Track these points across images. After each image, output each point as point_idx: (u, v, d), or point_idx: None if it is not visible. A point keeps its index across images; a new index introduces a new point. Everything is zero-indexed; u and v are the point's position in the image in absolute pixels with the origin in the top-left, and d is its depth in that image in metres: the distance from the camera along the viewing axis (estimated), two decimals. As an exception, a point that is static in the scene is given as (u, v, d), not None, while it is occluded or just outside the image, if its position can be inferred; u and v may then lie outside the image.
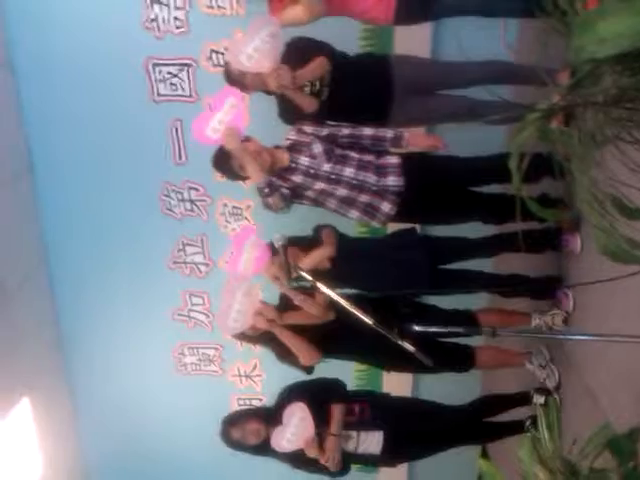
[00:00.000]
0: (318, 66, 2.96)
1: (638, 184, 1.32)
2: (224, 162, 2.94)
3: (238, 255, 2.96)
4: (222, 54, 3.82)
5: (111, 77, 3.94)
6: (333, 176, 2.87)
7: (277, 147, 2.98)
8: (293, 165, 2.90)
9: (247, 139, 2.91)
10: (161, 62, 3.90)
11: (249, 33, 2.85)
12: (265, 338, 3.15)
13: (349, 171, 2.87)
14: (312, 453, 3.04)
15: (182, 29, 3.81)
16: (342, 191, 2.90)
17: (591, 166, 1.23)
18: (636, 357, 2.32)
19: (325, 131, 2.92)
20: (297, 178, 2.89)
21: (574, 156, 1.26)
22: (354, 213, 2.99)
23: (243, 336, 3.18)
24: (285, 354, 3.14)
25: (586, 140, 1.24)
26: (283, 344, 3.10)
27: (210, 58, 3.86)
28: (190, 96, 3.96)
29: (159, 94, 3.97)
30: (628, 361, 2.40)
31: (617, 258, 1.23)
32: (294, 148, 2.93)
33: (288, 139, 2.96)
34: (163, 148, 4.07)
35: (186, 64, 3.89)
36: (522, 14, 2.98)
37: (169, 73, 3.92)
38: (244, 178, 3.00)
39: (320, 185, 2.89)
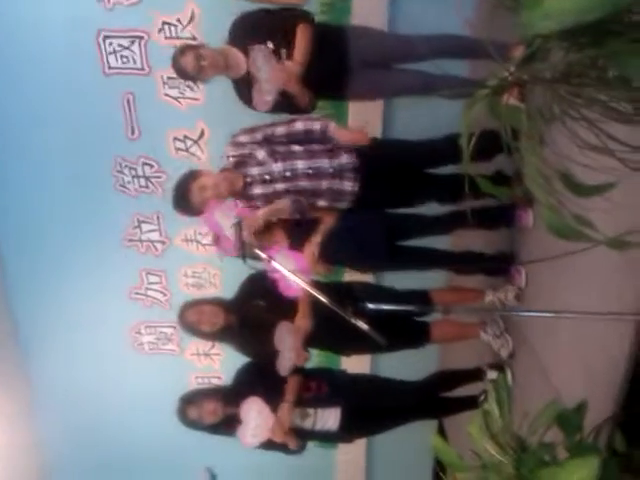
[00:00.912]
0: (306, 34, 2.88)
1: (585, 161, 1.32)
2: (185, 202, 2.91)
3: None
4: (174, 26, 3.72)
5: (61, 49, 3.79)
6: (288, 173, 2.88)
7: (224, 170, 2.96)
8: (248, 180, 2.90)
9: (199, 174, 2.90)
10: (112, 34, 3.77)
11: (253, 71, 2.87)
12: (222, 335, 3.14)
13: (301, 163, 2.88)
14: (280, 438, 3.06)
15: (133, 0, 3.69)
16: (303, 184, 2.90)
17: (538, 143, 1.22)
18: (586, 332, 2.36)
19: (259, 135, 2.89)
20: (258, 190, 2.90)
21: (522, 133, 1.25)
22: (323, 202, 3.00)
23: (200, 333, 3.15)
24: (245, 347, 3.17)
25: (534, 116, 1.23)
26: (243, 338, 3.10)
27: (162, 30, 3.74)
28: (142, 69, 3.84)
29: (110, 67, 3.84)
30: (578, 336, 2.45)
31: (563, 235, 1.23)
32: (240, 163, 2.92)
33: (230, 156, 2.94)
34: (115, 123, 3.96)
35: (137, 36, 3.76)
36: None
37: (120, 45, 3.80)
38: None
39: (280, 186, 2.89)
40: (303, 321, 3.03)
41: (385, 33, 3.49)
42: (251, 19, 2.94)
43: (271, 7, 2.96)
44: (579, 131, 1.28)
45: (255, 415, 3.04)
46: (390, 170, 2.93)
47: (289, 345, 2.97)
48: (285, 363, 3.03)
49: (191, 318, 3.07)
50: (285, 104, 2.97)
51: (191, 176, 2.94)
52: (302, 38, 2.88)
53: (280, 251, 2.57)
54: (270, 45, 2.89)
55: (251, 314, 3.07)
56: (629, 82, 1.10)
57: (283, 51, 2.91)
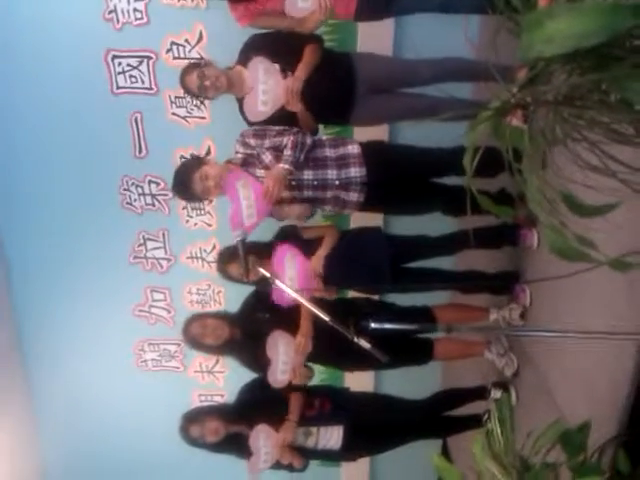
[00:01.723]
0: (313, 53, 2.94)
1: (587, 182, 1.34)
2: (185, 188, 2.91)
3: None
4: (182, 46, 3.77)
5: (70, 69, 3.84)
6: (293, 182, 2.88)
7: (228, 161, 2.97)
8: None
9: (203, 162, 2.91)
10: (120, 54, 3.83)
11: (252, 84, 2.91)
12: (226, 348, 3.15)
13: (307, 173, 2.88)
14: (287, 460, 3.08)
15: (141, 20, 3.74)
16: (307, 193, 2.91)
17: (540, 164, 1.24)
18: (589, 352, 2.36)
19: (267, 143, 2.89)
20: None
21: (524, 154, 1.27)
22: (326, 207, 3.03)
23: (204, 347, 3.16)
24: (248, 361, 3.17)
25: (536, 138, 1.25)
26: (246, 351, 3.11)
27: (170, 50, 3.80)
28: (150, 89, 3.89)
29: (118, 86, 3.89)
30: (582, 356, 2.45)
31: (565, 255, 1.24)
32: (246, 162, 2.92)
33: (238, 152, 2.95)
34: (123, 141, 4.00)
35: (146, 56, 3.82)
36: (481, 11, 3.01)
37: (129, 65, 3.85)
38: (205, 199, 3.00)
39: (285, 194, 2.89)
40: (303, 340, 3.03)
41: (390, 58, 3.53)
42: (262, 40, 2.99)
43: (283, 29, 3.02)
44: (581, 153, 1.30)
45: (263, 442, 3.05)
46: (396, 175, 2.93)
47: (282, 355, 2.96)
48: (277, 374, 3.01)
49: (195, 331, 3.07)
50: (287, 121, 2.98)
51: (195, 163, 2.93)
52: (308, 55, 2.94)
53: (289, 253, 2.56)
54: (277, 66, 2.93)
55: (255, 327, 3.07)
56: (631, 105, 1.12)
57: (288, 73, 2.95)
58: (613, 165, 1.28)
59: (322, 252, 3.01)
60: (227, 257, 2.97)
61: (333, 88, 2.97)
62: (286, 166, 2.81)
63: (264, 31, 3.04)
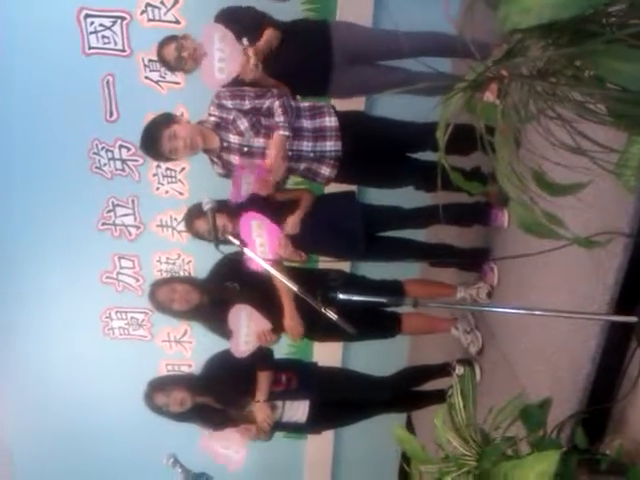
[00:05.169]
0: (272, 37, 2.93)
1: (560, 160, 1.33)
2: (152, 146, 2.82)
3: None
4: (158, 8, 3.67)
5: (40, 27, 3.73)
6: (268, 151, 2.83)
7: (201, 122, 2.89)
8: (225, 144, 2.85)
9: (174, 120, 2.82)
10: (93, 13, 3.72)
11: (205, 49, 2.84)
12: (194, 314, 3.12)
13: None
14: (251, 438, 3.10)
15: (116, -21, 3.65)
16: None
17: (512, 140, 1.23)
18: (553, 332, 2.40)
19: (247, 104, 2.81)
20: (234, 159, 2.86)
21: (496, 129, 1.26)
22: (295, 176, 3.02)
23: (171, 311, 3.11)
24: (216, 328, 3.14)
25: (509, 114, 1.24)
26: (213, 318, 3.08)
27: (145, 12, 3.70)
28: (123, 50, 3.79)
29: (90, 47, 3.79)
30: (546, 335, 2.48)
31: (532, 231, 1.25)
32: (220, 126, 2.85)
33: (211, 115, 2.86)
34: (93, 104, 3.90)
35: (120, 17, 3.71)
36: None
37: (102, 25, 3.74)
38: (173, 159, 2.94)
39: (259, 161, 2.84)
40: (293, 323, 3.02)
41: (369, 29, 3.48)
42: (233, 14, 2.96)
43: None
44: (554, 130, 1.29)
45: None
46: (370, 149, 2.90)
47: (244, 328, 2.94)
48: (240, 345, 2.97)
49: (163, 296, 3.02)
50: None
51: (165, 120, 2.82)
52: (269, 34, 2.93)
53: (258, 219, 2.53)
54: (245, 41, 2.90)
55: (224, 296, 3.04)
56: (603, 82, 1.11)
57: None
58: (586, 144, 1.27)
59: (298, 215, 2.97)
60: (195, 214, 2.92)
61: (310, 56, 2.94)
62: (286, 133, 2.76)
63: (239, 5, 2.99)
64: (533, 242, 1.49)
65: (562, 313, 2.11)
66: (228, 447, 3.09)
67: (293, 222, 2.96)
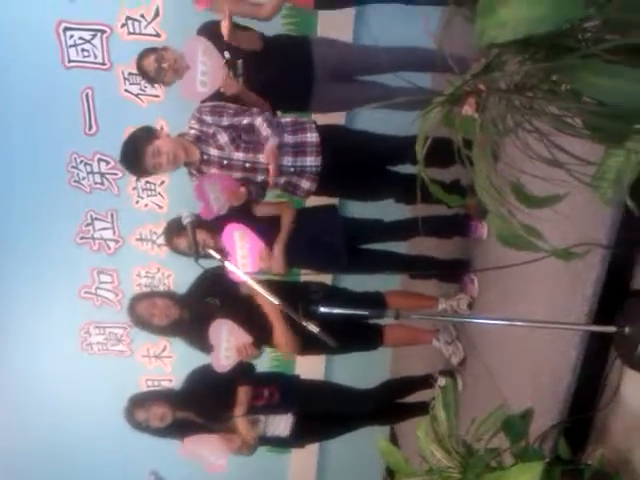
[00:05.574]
0: (253, 37, 2.94)
1: (537, 173, 1.35)
2: (134, 162, 2.81)
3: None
4: (138, 22, 3.67)
5: (20, 39, 3.71)
6: (248, 164, 2.85)
7: (181, 135, 2.89)
8: (206, 157, 2.85)
9: (156, 135, 2.81)
10: (73, 26, 3.70)
11: (187, 62, 2.84)
12: (174, 329, 3.09)
13: (263, 157, 2.82)
14: (233, 452, 3.08)
15: (96, -8, 3.64)
16: (260, 177, 2.88)
17: (489, 153, 1.25)
18: (534, 342, 2.41)
19: (225, 121, 2.82)
20: (214, 171, 2.85)
21: (474, 143, 1.27)
22: (276, 190, 3.02)
23: (151, 327, 3.08)
24: (196, 343, 3.11)
25: (487, 127, 1.25)
26: (194, 333, 3.06)
27: (125, 25, 3.69)
28: (103, 64, 3.78)
29: (70, 60, 3.77)
30: (527, 346, 2.49)
31: (511, 244, 1.26)
32: (200, 139, 2.85)
33: (192, 128, 2.86)
34: (72, 117, 3.88)
35: (99, 30, 3.70)
36: (442, 3, 3.01)
37: (81, 39, 3.73)
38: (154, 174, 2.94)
39: (237, 175, 2.85)
40: (284, 340, 2.99)
41: (349, 44, 3.50)
42: (216, 28, 2.94)
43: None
44: (532, 144, 1.31)
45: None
46: (351, 162, 2.92)
47: (225, 343, 2.92)
48: (220, 360, 2.95)
49: (143, 311, 2.99)
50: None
51: (147, 136, 2.80)
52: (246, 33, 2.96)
53: (241, 230, 2.52)
54: (227, 55, 2.90)
55: (205, 311, 3.01)
56: (580, 96, 1.13)
57: (239, 62, 2.94)
58: (563, 157, 1.29)
59: (283, 237, 2.97)
60: (175, 229, 2.91)
61: (291, 70, 2.96)
62: (275, 141, 2.77)
63: (217, 18, 2.99)
64: (512, 254, 1.50)
65: (542, 324, 2.13)
66: (211, 452, 3.05)
67: (279, 245, 2.95)
